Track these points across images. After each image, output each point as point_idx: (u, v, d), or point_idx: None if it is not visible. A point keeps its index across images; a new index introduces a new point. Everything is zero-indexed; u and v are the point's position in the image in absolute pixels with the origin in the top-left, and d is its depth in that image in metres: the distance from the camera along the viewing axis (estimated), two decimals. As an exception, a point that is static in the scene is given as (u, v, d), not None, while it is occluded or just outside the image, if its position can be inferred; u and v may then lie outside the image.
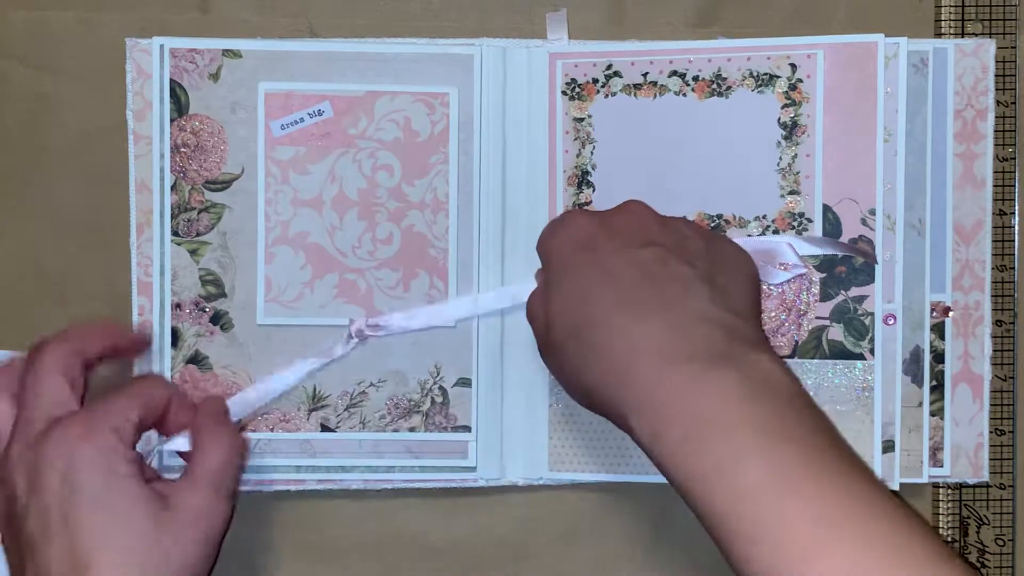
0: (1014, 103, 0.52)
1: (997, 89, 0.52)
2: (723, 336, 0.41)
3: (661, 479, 0.51)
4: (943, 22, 0.52)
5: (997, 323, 0.52)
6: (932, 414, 0.51)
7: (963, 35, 0.52)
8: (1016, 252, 0.52)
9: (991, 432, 0.52)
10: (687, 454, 0.39)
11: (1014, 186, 0.52)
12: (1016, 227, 0.52)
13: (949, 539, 0.53)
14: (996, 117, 0.52)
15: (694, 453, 0.39)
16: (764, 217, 0.51)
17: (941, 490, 0.53)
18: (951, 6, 0.52)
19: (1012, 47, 0.52)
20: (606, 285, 0.43)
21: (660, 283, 0.43)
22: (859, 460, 0.39)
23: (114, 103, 0.51)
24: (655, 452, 0.41)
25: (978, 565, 0.53)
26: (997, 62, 0.52)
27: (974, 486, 0.52)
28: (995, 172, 0.52)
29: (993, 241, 0.52)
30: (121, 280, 0.52)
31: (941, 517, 0.53)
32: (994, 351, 0.52)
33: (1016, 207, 0.52)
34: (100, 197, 0.52)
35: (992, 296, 0.52)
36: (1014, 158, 0.52)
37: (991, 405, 0.52)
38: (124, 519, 0.42)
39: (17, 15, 0.52)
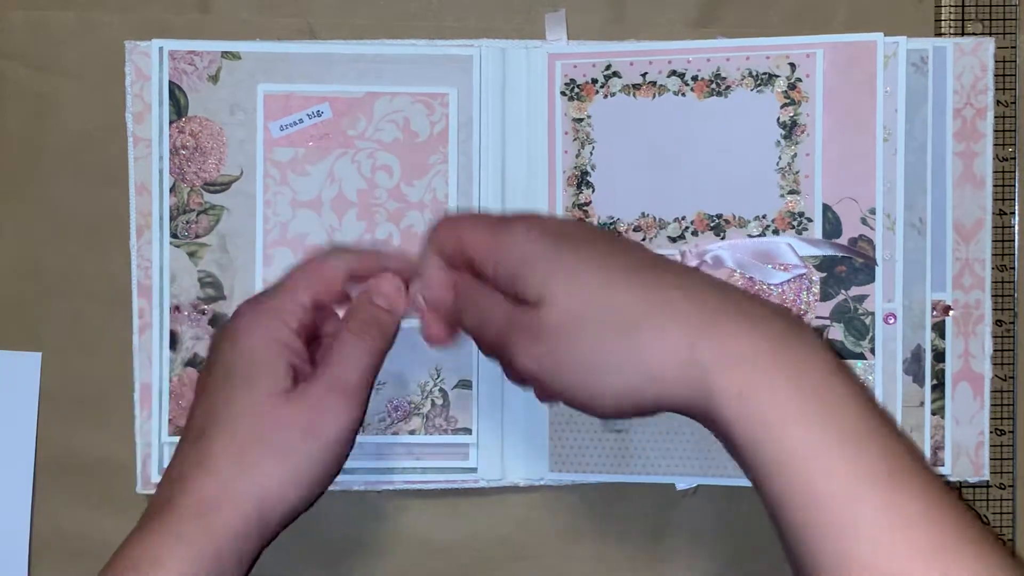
0: (1014, 103, 0.52)
1: (997, 89, 0.52)
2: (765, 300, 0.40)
3: (660, 479, 0.51)
4: (943, 22, 0.52)
5: (997, 323, 0.52)
6: (933, 413, 0.51)
7: (963, 35, 0.52)
8: (1016, 252, 0.52)
9: (991, 432, 0.52)
10: (790, 415, 0.36)
11: (1014, 186, 0.52)
12: (1016, 227, 0.52)
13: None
14: (996, 117, 0.52)
15: (799, 415, 0.36)
16: (764, 217, 0.51)
17: (942, 490, 0.53)
18: (951, 6, 0.52)
19: (1012, 47, 0.52)
20: (628, 255, 0.40)
21: (667, 260, 0.41)
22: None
23: (114, 103, 0.51)
24: (743, 413, 0.36)
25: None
26: (997, 62, 0.52)
27: (974, 485, 0.52)
28: (995, 172, 0.52)
29: (993, 241, 0.52)
30: (121, 280, 0.52)
31: (942, 516, 0.53)
32: (994, 351, 0.52)
33: (1016, 207, 0.52)
34: (100, 197, 0.52)
35: (992, 296, 0.52)
36: (1014, 158, 0.52)
37: (991, 405, 0.52)
38: (244, 391, 0.42)
39: (17, 15, 0.52)
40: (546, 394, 0.42)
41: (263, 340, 0.44)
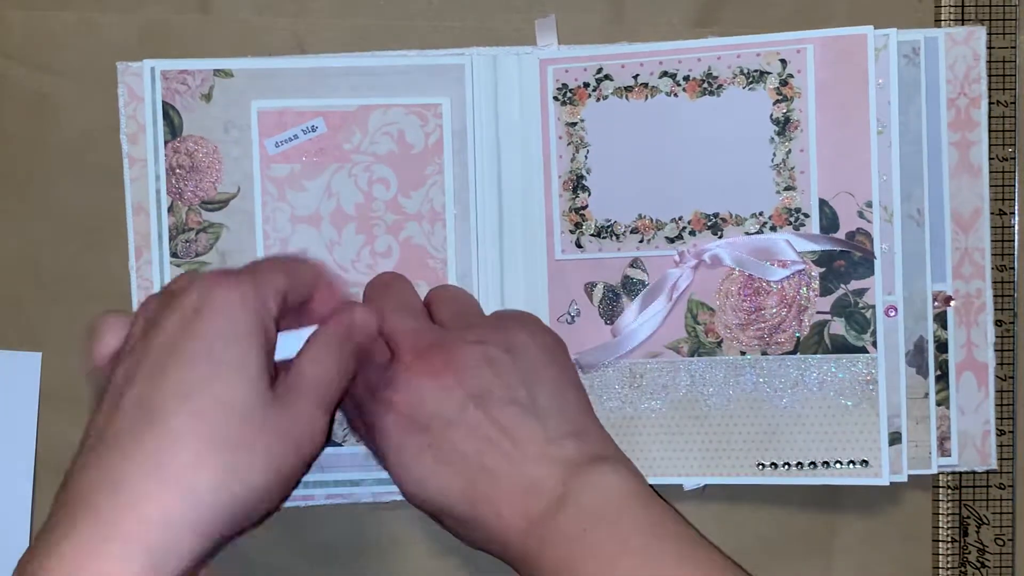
0: (1013, 102, 0.52)
1: (997, 88, 0.51)
2: (562, 474, 0.43)
3: (660, 480, 0.51)
4: (943, 21, 0.52)
5: (997, 323, 0.52)
6: (938, 404, 0.51)
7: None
8: (1016, 251, 0.52)
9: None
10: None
11: (1014, 186, 0.52)
12: (1016, 226, 0.52)
13: (949, 539, 0.53)
14: (995, 117, 0.51)
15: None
16: (761, 214, 0.51)
17: (941, 490, 0.53)
18: (950, 5, 0.52)
19: (1012, 46, 0.52)
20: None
21: (492, 443, 0.43)
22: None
23: (114, 103, 0.51)
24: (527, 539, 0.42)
25: (978, 565, 0.53)
26: (996, 61, 0.51)
27: (975, 485, 0.52)
28: (995, 172, 0.52)
29: (993, 240, 0.51)
30: (121, 281, 0.52)
31: (941, 517, 0.53)
32: (995, 350, 0.52)
33: (1016, 206, 0.52)
34: (100, 197, 0.52)
35: (992, 296, 0.52)
36: (1014, 157, 0.52)
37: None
38: (222, 381, 0.37)
39: (17, 15, 0.52)
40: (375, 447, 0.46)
41: (247, 321, 0.38)
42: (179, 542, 0.35)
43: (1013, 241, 0.52)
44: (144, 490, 0.35)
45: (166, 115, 0.51)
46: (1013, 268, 0.52)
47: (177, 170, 0.51)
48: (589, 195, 0.52)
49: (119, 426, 0.36)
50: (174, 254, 0.51)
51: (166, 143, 0.51)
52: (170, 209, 0.51)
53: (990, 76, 0.51)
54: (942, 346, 0.51)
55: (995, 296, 0.52)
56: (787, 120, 0.50)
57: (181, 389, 0.36)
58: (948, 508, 0.53)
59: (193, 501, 0.35)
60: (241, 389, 0.37)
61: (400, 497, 0.52)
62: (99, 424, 0.37)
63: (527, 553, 0.42)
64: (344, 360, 0.42)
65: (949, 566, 0.53)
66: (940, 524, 0.53)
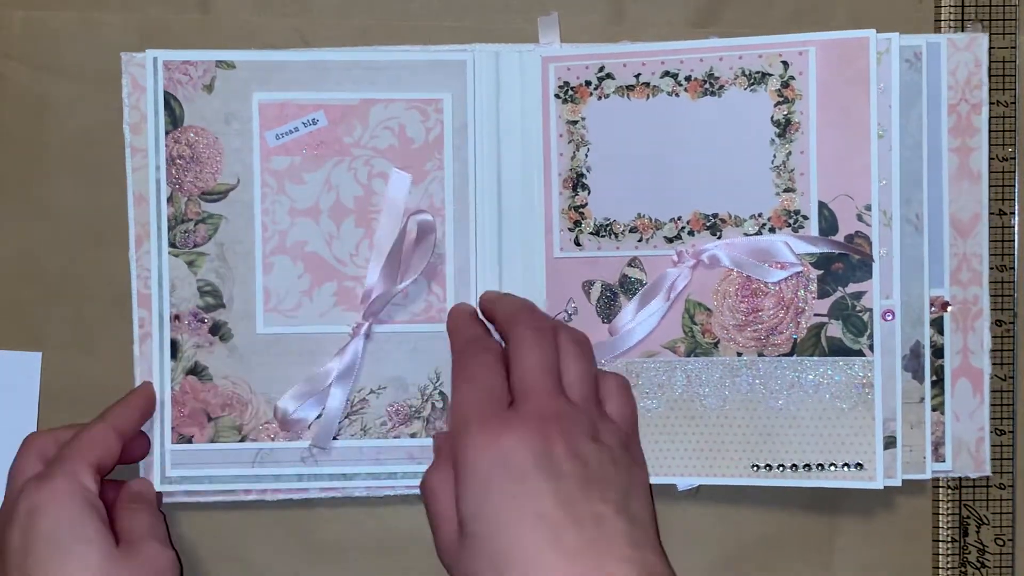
0: (1013, 103, 0.52)
1: (996, 89, 0.51)
2: None
3: (654, 479, 0.51)
4: (943, 22, 0.52)
5: (997, 323, 0.52)
6: (932, 409, 0.51)
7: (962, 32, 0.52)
8: (1016, 252, 0.52)
9: (991, 432, 0.52)
10: None
11: (1014, 186, 0.52)
12: (1016, 227, 0.52)
13: (949, 539, 0.53)
14: (995, 117, 0.51)
15: None
16: (760, 215, 0.51)
17: (941, 490, 0.53)
18: (951, 6, 0.52)
19: (1012, 47, 0.52)
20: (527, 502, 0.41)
21: (579, 519, 0.40)
22: None
23: (114, 103, 0.51)
24: None
25: (978, 565, 0.53)
26: (996, 62, 0.51)
27: (975, 485, 0.52)
28: (994, 172, 0.52)
29: (992, 241, 0.52)
30: (121, 281, 0.52)
31: (941, 517, 0.53)
32: (993, 350, 0.52)
33: (1016, 207, 0.52)
34: (100, 197, 0.52)
35: (992, 296, 0.52)
36: (1013, 158, 0.52)
37: (991, 404, 0.52)
38: (78, 557, 0.43)
39: (17, 15, 0.52)
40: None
41: (73, 506, 0.45)
42: None
43: (1013, 241, 0.52)
44: None
45: (167, 105, 0.51)
46: (1013, 268, 0.52)
47: (177, 160, 0.51)
48: (588, 193, 0.52)
49: None
50: (172, 244, 0.51)
51: (167, 133, 0.51)
52: (169, 199, 0.51)
53: (990, 77, 0.51)
54: (938, 351, 0.51)
55: (995, 296, 0.52)
56: (788, 122, 0.50)
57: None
58: (948, 508, 0.53)
59: None
60: (94, 559, 0.44)
61: (392, 492, 0.52)
62: None
63: None
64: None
65: (949, 566, 0.53)
66: (940, 524, 0.53)
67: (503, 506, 0.41)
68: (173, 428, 0.51)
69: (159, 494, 0.51)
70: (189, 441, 0.51)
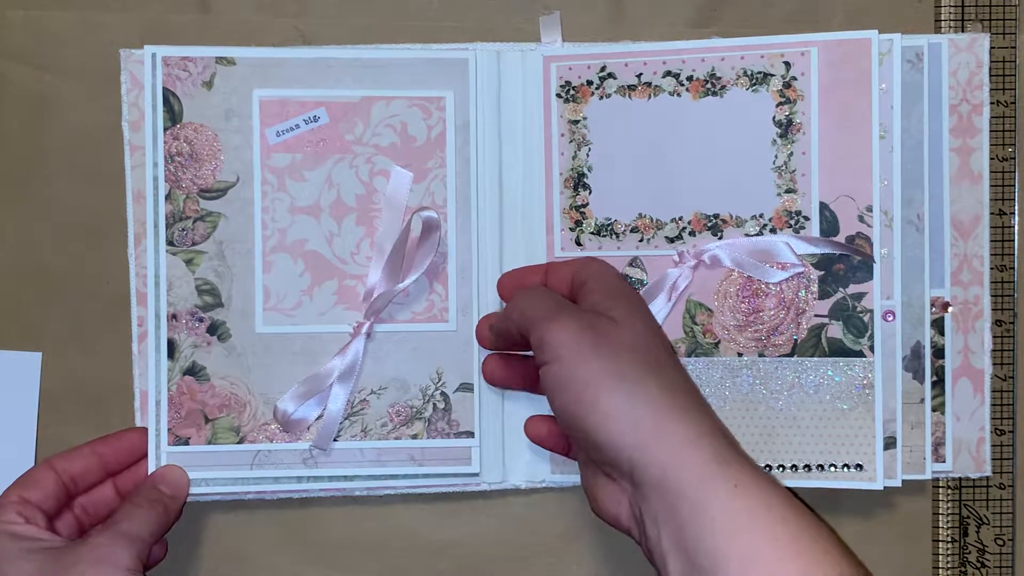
0: (1013, 103, 0.52)
1: (996, 88, 0.52)
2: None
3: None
4: (943, 22, 0.52)
5: (997, 323, 0.52)
6: (933, 409, 0.51)
7: (962, 33, 0.52)
8: (1016, 252, 0.52)
9: (991, 432, 0.52)
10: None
11: (1014, 186, 0.52)
12: (1016, 227, 0.52)
13: (949, 539, 0.53)
14: (995, 117, 0.52)
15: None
16: (761, 216, 0.51)
17: (941, 490, 0.53)
18: (950, 6, 0.52)
19: (1012, 47, 0.52)
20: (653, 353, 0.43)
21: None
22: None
23: (114, 103, 0.51)
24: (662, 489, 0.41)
25: (978, 565, 0.53)
26: (996, 61, 0.52)
27: (975, 485, 0.52)
28: (995, 172, 0.52)
29: (993, 241, 0.52)
30: (121, 280, 0.51)
31: (941, 517, 0.53)
32: (994, 350, 0.52)
33: (1016, 207, 0.52)
34: (99, 197, 0.52)
35: (992, 296, 0.52)
36: (1013, 158, 0.52)
37: (991, 404, 0.52)
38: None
39: (17, 15, 0.51)
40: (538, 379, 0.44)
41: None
42: None
43: (1013, 241, 0.52)
44: None
45: (166, 101, 0.51)
46: (1013, 268, 0.52)
47: (176, 157, 0.51)
48: (590, 193, 0.52)
49: None
50: (171, 242, 0.51)
51: (165, 130, 0.51)
52: (168, 197, 0.51)
53: (990, 77, 0.52)
54: (939, 352, 0.52)
55: (995, 296, 0.52)
56: (789, 122, 0.50)
57: None
58: (948, 508, 0.53)
59: None
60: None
61: (392, 491, 0.52)
62: None
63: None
64: (153, 515, 0.49)
65: (949, 566, 0.53)
66: (940, 524, 0.53)
67: None
68: (169, 430, 0.51)
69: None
70: (186, 443, 0.51)
